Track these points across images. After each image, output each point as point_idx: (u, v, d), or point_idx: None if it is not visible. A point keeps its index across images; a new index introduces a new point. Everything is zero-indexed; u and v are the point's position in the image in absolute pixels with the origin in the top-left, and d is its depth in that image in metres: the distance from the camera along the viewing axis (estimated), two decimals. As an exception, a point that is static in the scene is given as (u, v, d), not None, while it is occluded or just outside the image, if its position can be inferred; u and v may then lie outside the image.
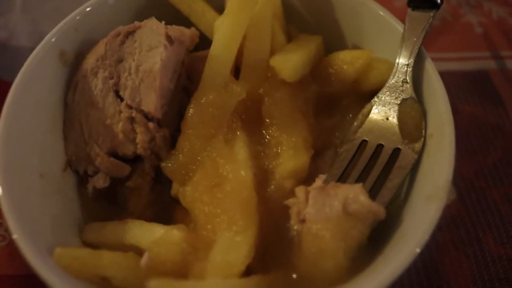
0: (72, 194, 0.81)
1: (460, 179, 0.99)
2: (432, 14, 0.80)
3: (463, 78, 1.17)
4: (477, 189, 0.99)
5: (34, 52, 0.79)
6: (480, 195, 0.98)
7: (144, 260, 0.67)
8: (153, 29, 0.79)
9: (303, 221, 0.67)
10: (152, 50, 0.77)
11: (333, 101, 0.85)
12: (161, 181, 0.83)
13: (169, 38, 0.78)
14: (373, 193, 0.70)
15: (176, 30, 0.80)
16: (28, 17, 1.22)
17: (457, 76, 1.17)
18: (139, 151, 0.78)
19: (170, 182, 0.80)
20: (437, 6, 0.80)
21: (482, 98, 1.13)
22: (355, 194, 0.65)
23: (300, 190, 0.69)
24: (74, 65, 0.84)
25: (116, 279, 0.66)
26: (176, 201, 0.79)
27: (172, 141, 0.81)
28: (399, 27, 0.81)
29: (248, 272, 0.66)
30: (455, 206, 0.96)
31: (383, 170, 0.73)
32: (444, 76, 0.77)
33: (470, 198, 0.98)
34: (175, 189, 0.79)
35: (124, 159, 0.80)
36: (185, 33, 0.81)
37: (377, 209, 0.65)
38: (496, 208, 0.96)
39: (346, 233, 0.64)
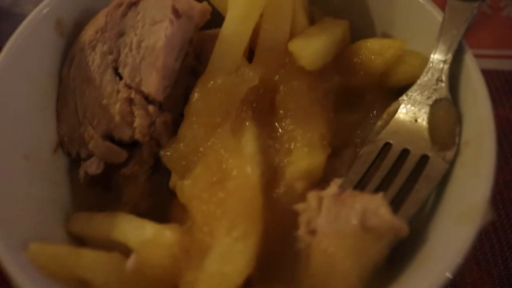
0: (61, 179, 0.76)
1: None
2: (476, 5, 0.71)
3: (498, 77, 1.09)
4: (506, 201, 0.91)
5: (27, 19, 0.73)
6: (509, 207, 0.91)
7: (130, 262, 0.60)
8: (158, 1, 0.72)
9: (313, 232, 0.59)
10: (156, 24, 0.71)
11: (356, 95, 0.78)
12: (160, 171, 0.76)
13: (176, 12, 0.71)
14: (395, 205, 0.61)
15: (184, 3, 0.72)
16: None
17: (491, 75, 1.09)
18: (137, 136, 0.72)
19: (169, 172, 0.74)
20: (483, -4, 0.71)
21: (518, 101, 1.05)
22: (375, 207, 0.57)
23: (312, 196, 0.62)
24: (71, 36, 0.77)
25: (96, 283, 0.59)
26: (174, 194, 0.72)
27: (176, 127, 0.75)
28: (439, 16, 0.73)
29: (247, 282, 0.59)
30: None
31: (408, 179, 0.66)
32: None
33: (498, 210, 0.90)
34: (174, 181, 0.73)
35: (120, 143, 0.74)
36: (195, 7, 0.74)
37: (399, 225, 0.57)
38: (526, 223, 0.88)
39: (362, 252, 0.57)
